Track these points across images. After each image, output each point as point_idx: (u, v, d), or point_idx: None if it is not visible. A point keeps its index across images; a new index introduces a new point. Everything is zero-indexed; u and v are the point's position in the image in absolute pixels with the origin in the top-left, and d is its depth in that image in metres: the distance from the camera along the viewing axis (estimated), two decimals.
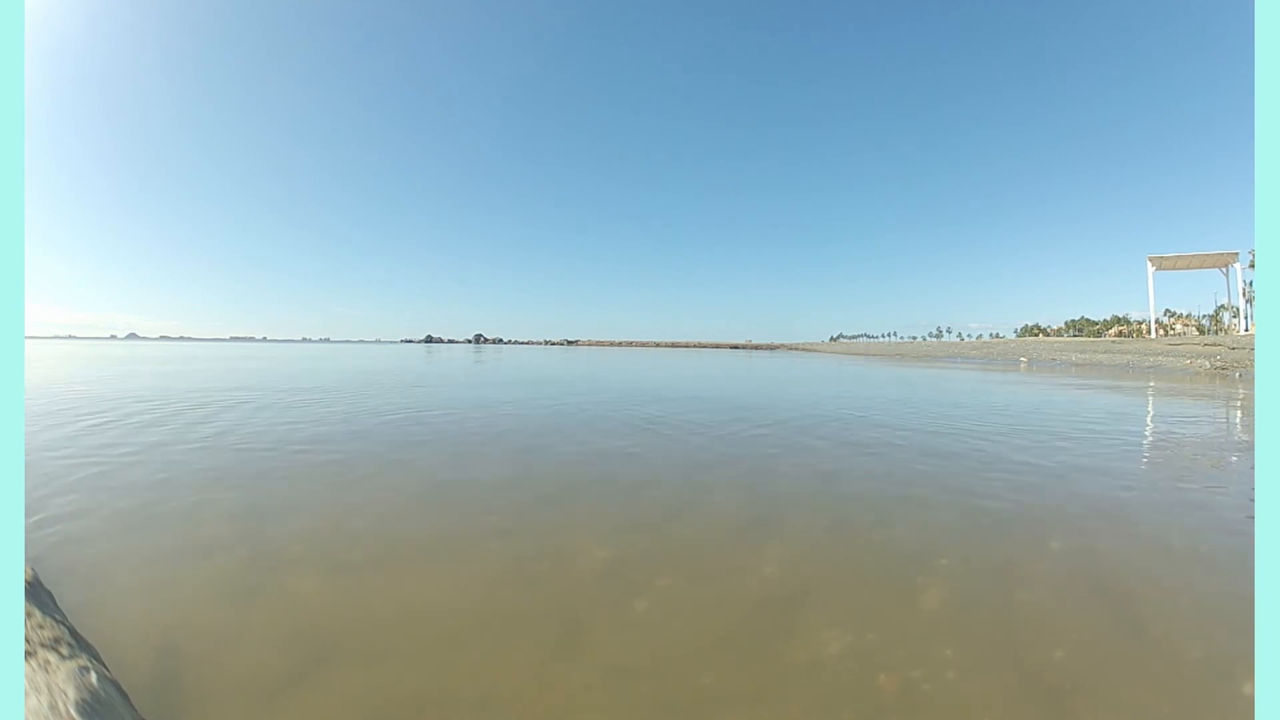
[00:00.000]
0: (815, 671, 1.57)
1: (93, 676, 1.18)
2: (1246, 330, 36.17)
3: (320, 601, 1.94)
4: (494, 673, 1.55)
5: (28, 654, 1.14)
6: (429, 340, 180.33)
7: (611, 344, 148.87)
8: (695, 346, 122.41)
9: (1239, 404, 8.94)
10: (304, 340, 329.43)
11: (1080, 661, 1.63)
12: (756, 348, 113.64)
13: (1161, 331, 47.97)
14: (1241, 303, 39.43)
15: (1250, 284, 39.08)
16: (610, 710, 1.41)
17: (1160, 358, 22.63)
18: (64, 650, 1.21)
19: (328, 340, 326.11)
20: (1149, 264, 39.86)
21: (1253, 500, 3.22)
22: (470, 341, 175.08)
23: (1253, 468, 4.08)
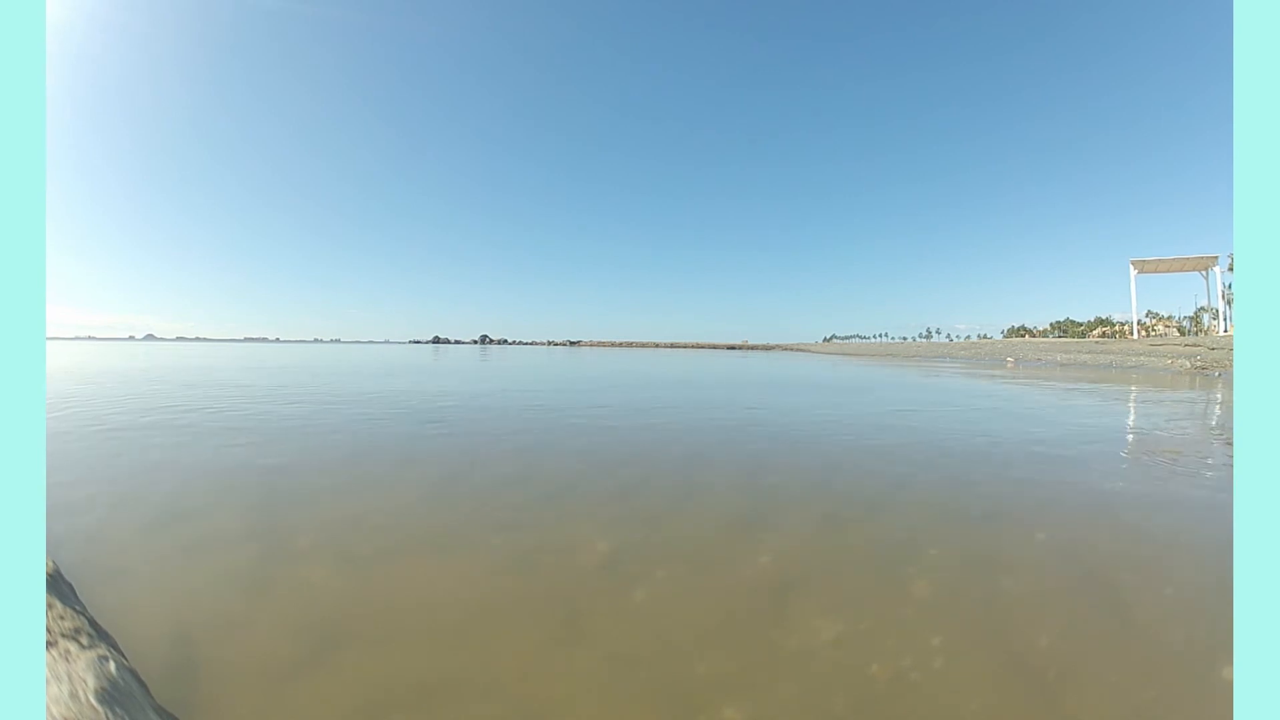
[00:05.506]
0: (808, 659, 1.61)
1: (112, 665, 1.20)
2: (1225, 331, 36.88)
3: (332, 591, 1.97)
4: (499, 659, 1.59)
5: (49, 644, 1.16)
6: (436, 341, 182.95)
7: (613, 344, 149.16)
8: (694, 347, 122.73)
9: (1218, 401, 9.15)
10: (315, 341, 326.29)
11: (1065, 648, 1.68)
12: (753, 348, 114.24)
13: (1144, 332, 48.80)
14: (1221, 305, 40.17)
15: (1229, 286, 39.85)
16: (610, 695, 1.45)
17: (1142, 358, 23.05)
18: (84, 640, 1.22)
19: (338, 341, 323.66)
20: (1131, 267, 40.58)
21: (1232, 491, 3.32)
22: (476, 342, 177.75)
23: (1231, 460, 4.21)
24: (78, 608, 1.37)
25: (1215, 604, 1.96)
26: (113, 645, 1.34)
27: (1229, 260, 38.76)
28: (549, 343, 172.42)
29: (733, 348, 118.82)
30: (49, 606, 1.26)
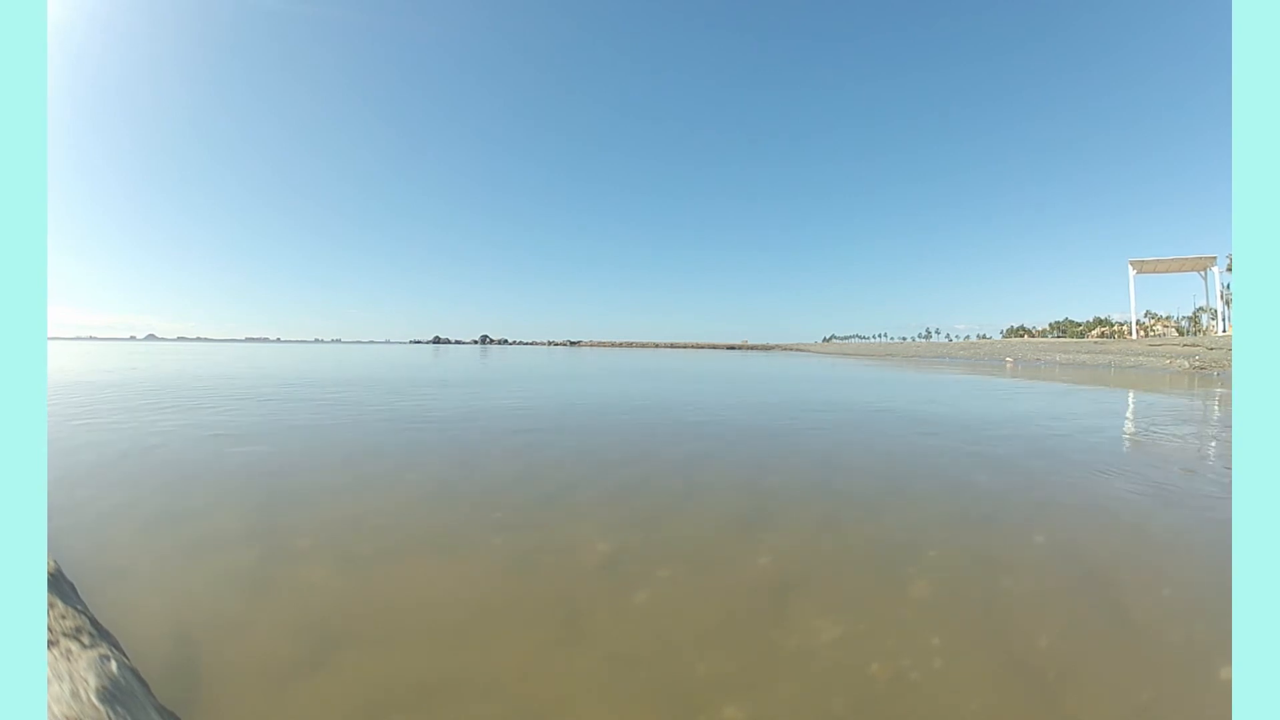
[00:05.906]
0: (808, 659, 1.62)
1: (113, 664, 1.20)
2: (1224, 331, 36.92)
3: (332, 592, 1.97)
4: (499, 660, 1.59)
5: (50, 643, 1.16)
6: (437, 341, 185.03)
7: (613, 345, 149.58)
8: (694, 347, 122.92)
9: (1217, 401, 9.17)
10: (316, 341, 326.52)
11: (1064, 648, 1.69)
12: (752, 348, 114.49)
13: (1142, 332, 48.84)
14: (1219, 305, 40.21)
15: (1228, 287, 39.91)
16: (610, 695, 1.46)
17: (1141, 358, 23.09)
18: (85, 639, 1.22)
19: (339, 341, 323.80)
20: (1130, 267, 40.63)
21: (1230, 491, 3.33)
22: (476, 342, 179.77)
23: (1230, 460, 4.21)
24: (79, 607, 1.37)
25: (1214, 604, 1.97)
26: (114, 644, 1.34)
27: (1228, 261, 38.83)
28: (549, 343, 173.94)
29: (732, 348, 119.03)
30: (50, 606, 1.27)
